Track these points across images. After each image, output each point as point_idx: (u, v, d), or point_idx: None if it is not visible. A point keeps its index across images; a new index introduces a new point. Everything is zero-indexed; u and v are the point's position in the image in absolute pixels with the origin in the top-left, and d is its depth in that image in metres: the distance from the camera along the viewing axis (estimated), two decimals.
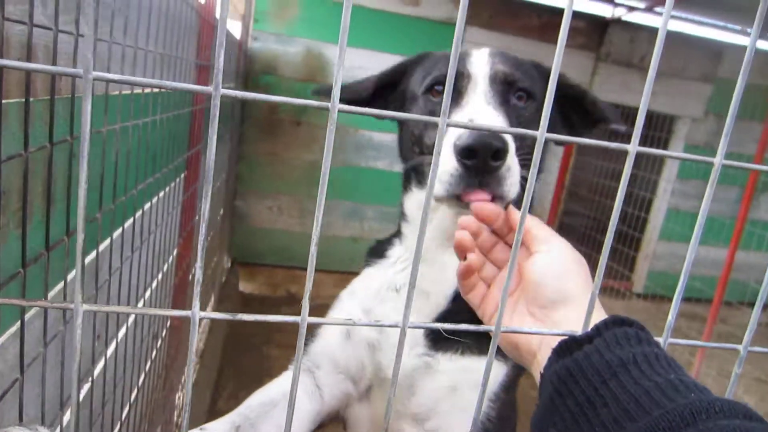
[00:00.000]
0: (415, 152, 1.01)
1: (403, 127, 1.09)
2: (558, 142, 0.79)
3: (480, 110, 0.86)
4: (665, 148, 5.04)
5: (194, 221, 2.21)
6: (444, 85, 0.88)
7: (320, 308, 4.31)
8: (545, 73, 1.04)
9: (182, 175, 1.97)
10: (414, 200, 1.07)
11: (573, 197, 5.50)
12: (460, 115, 0.87)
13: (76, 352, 0.35)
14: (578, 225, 5.28)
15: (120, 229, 1.06)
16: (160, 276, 1.60)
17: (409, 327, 0.40)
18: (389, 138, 4.59)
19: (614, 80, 4.84)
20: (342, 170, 4.59)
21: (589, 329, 0.48)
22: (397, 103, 1.11)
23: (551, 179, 5.20)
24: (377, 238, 1.23)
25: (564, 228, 5.36)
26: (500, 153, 0.73)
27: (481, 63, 0.94)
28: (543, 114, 0.44)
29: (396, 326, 0.39)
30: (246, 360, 3.43)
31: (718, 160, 0.42)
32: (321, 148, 4.50)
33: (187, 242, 2.20)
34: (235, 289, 4.26)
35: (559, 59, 0.38)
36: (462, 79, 0.93)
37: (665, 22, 0.40)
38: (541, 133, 0.44)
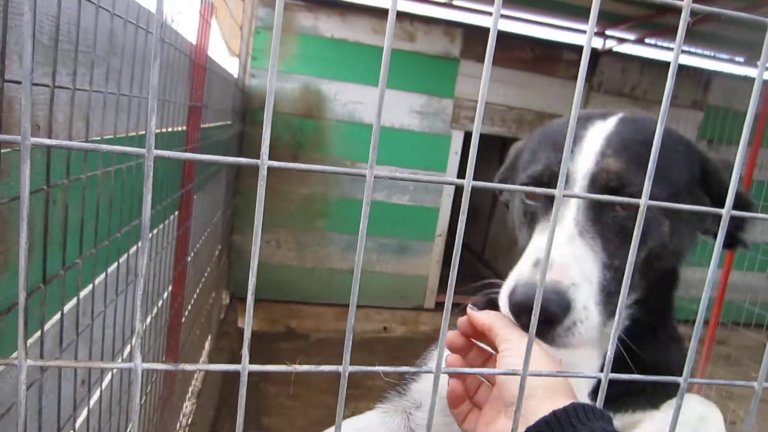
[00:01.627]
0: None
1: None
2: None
3: (558, 244, 0.66)
4: None
5: (186, 260, 2.22)
6: (540, 182, 0.73)
7: (322, 342, 4.29)
8: (695, 156, 0.78)
9: (175, 214, 1.98)
10: None
11: None
12: (536, 244, 0.70)
13: (21, 407, 0.35)
14: None
15: (104, 274, 1.07)
16: (149, 317, 1.59)
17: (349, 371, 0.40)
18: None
19: (606, 109, 4.90)
20: (339, 202, 4.61)
21: (549, 414, 0.48)
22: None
23: None
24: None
25: None
26: (558, 316, 0.62)
27: (590, 152, 0.72)
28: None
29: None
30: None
31: (643, 201, 0.42)
32: (317, 182, 4.54)
33: (180, 280, 2.20)
34: (234, 325, 4.24)
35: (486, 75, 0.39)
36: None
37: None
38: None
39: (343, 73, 4.42)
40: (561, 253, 0.64)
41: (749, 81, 5.17)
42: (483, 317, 0.64)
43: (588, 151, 0.72)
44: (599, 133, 0.74)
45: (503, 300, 0.66)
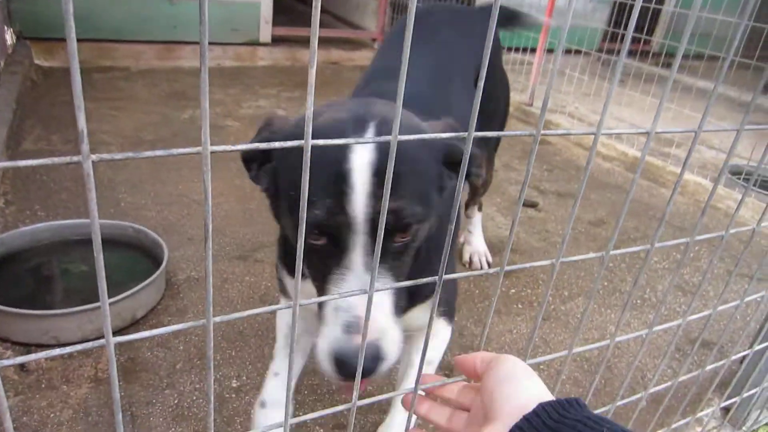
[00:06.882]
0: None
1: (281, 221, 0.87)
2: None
3: (360, 300, 0.70)
4: None
5: None
6: (327, 235, 0.72)
7: (145, 73, 3.75)
8: (436, 152, 0.81)
9: None
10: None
11: None
12: (339, 302, 0.72)
13: None
14: None
15: None
16: None
17: None
18: None
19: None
20: None
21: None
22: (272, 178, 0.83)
23: None
24: None
25: None
26: (378, 370, 0.73)
27: (363, 192, 0.69)
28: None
29: None
30: (55, 111, 2.91)
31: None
32: None
33: None
34: (29, 59, 3.54)
35: None
36: (342, 226, 0.71)
37: None
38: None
39: None
40: (365, 307, 0.61)
41: None
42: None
43: (360, 191, 0.70)
44: (365, 165, 0.70)
45: (324, 360, 0.72)
